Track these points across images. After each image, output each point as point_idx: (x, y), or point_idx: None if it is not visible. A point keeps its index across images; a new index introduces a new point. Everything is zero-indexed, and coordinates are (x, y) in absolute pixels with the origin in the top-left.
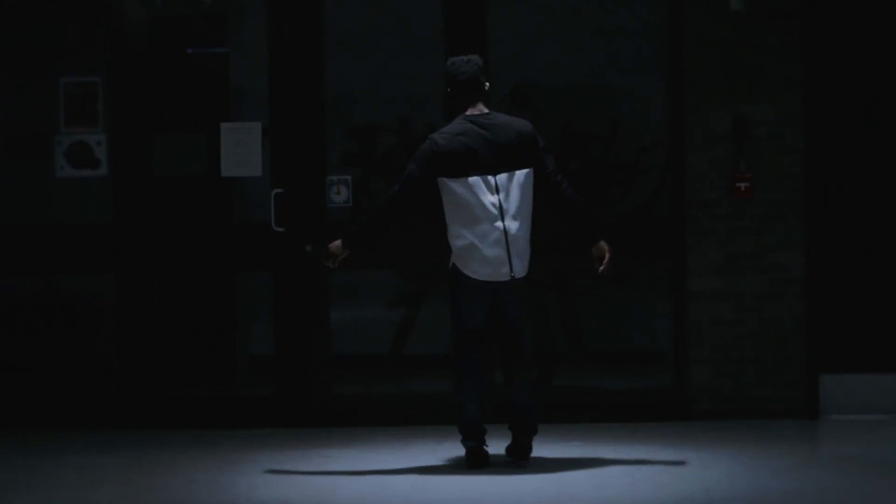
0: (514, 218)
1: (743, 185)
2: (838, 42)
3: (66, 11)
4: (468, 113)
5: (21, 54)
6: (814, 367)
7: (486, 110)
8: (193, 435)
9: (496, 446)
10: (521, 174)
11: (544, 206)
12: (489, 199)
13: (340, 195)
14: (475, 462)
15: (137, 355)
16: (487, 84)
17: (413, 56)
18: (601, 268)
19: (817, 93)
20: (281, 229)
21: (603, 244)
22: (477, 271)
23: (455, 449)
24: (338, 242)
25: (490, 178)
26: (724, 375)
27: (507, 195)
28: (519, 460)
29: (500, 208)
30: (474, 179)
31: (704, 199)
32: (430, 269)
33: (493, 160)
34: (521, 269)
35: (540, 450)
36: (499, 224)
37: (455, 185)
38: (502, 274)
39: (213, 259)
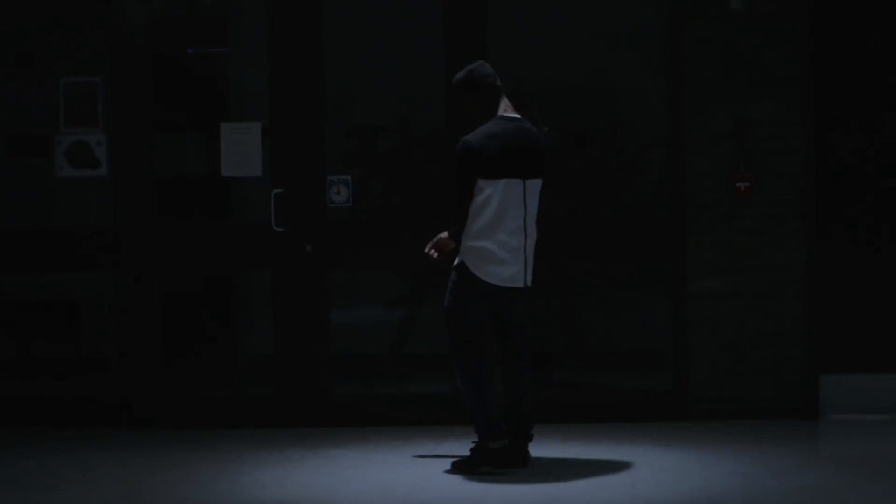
0: (532, 226)
1: (743, 185)
2: (838, 42)
3: (66, 11)
4: (502, 114)
5: (21, 54)
6: (814, 367)
7: (517, 114)
8: (193, 435)
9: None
10: (540, 183)
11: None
12: (517, 203)
13: (340, 195)
14: (512, 459)
15: (138, 355)
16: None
17: (413, 56)
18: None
19: (817, 93)
20: (281, 229)
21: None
22: (492, 275)
23: (455, 449)
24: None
25: (520, 182)
26: (724, 375)
27: (530, 202)
28: (522, 468)
29: (525, 214)
30: (508, 182)
31: (704, 199)
32: (429, 269)
33: (525, 165)
34: (531, 277)
35: (540, 450)
36: (521, 230)
37: (488, 186)
38: (517, 280)
39: (213, 259)
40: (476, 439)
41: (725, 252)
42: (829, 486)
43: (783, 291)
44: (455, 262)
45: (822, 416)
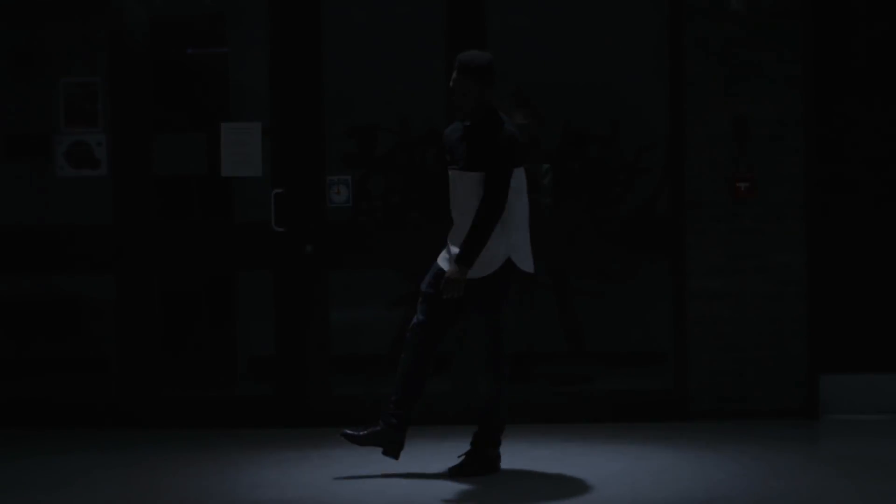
0: None
1: (743, 185)
2: (838, 41)
3: (66, 11)
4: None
5: (21, 54)
6: (814, 367)
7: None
8: (193, 435)
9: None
10: None
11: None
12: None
13: (340, 195)
14: (497, 464)
15: (137, 355)
16: None
17: (413, 56)
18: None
19: (817, 93)
20: (281, 229)
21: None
22: (526, 263)
23: (456, 448)
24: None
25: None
26: (724, 375)
27: None
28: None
29: None
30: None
31: (704, 199)
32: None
33: None
34: None
35: (540, 450)
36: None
37: (520, 174)
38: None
39: (213, 259)
40: (472, 444)
41: (725, 252)
42: (829, 486)
43: (783, 291)
44: (490, 272)
45: (822, 416)
